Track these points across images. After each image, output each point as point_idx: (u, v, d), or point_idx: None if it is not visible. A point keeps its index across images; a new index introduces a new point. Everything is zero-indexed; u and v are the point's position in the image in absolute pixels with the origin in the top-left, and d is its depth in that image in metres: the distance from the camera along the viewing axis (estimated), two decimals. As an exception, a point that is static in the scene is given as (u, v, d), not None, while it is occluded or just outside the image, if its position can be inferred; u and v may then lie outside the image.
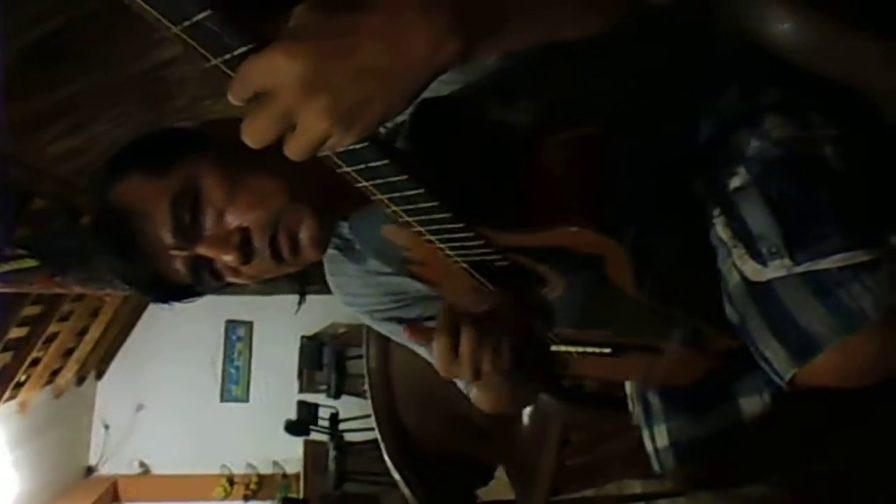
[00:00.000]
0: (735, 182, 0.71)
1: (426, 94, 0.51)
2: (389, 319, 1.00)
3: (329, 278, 0.99)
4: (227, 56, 0.42)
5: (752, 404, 0.84)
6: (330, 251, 0.95)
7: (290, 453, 5.08)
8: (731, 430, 0.85)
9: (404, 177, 0.54)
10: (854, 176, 0.68)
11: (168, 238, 0.72)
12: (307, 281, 0.94)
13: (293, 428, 4.72)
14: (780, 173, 0.69)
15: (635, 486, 1.81)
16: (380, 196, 0.57)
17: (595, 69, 0.74)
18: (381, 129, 0.63)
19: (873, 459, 0.90)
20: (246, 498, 5.29)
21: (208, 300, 0.86)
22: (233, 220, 0.72)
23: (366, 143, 0.49)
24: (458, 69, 0.50)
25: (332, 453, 4.24)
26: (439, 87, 0.69)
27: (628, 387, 1.00)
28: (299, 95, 0.43)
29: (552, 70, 0.73)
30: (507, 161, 0.66)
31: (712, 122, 0.77)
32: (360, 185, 0.55)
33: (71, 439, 5.27)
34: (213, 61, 0.43)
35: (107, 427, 5.41)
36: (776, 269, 0.67)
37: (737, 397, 0.85)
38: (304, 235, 0.74)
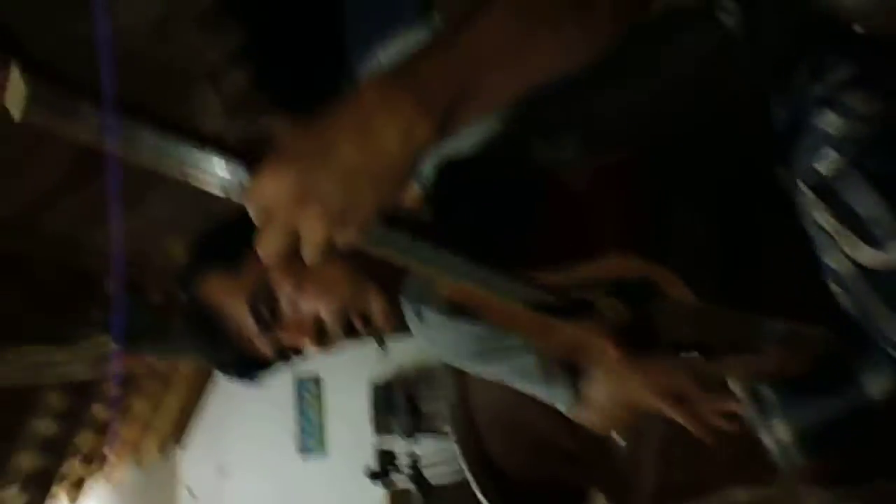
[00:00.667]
0: (830, 167, 0.68)
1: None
2: (474, 360, 1.00)
3: (413, 329, 1.01)
4: (233, 189, 0.49)
5: (875, 382, 0.78)
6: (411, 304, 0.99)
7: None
8: (858, 412, 0.79)
9: (433, 249, 0.56)
10: None
11: (252, 331, 0.78)
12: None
13: (375, 476, 4.69)
14: (879, 151, 0.65)
15: (741, 495, 1.71)
16: (424, 269, 0.60)
17: (632, 80, 0.72)
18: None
19: None
20: (336, 552, 5.26)
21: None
22: (306, 309, 0.78)
23: (388, 230, 0.53)
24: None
25: (416, 497, 4.18)
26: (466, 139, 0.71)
27: (732, 386, 0.95)
28: (292, 209, 0.48)
29: (591, 100, 0.72)
30: (539, 199, 0.67)
31: (786, 108, 0.74)
32: (402, 265, 0.58)
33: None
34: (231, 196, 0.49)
35: (193, 494, 5.49)
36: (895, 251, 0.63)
37: (858, 376, 0.79)
38: (376, 312, 0.79)
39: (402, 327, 0.98)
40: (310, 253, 0.50)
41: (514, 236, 0.64)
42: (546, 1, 0.53)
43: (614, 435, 1.47)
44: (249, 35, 2.51)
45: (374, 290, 0.78)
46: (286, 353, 0.81)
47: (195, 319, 0.82)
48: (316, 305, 0.77)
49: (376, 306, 0.79)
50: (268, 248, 0.50)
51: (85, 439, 3.83)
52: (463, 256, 0.59)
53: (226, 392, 5.57)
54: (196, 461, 5.58)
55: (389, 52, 0.72)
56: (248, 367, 0.83)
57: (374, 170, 0.48)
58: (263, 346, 0.80)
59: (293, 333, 0.78)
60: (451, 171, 0.69)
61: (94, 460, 4.04)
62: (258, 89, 2.81)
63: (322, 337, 0.78)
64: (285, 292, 0.77)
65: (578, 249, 0.62)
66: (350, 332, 0.79)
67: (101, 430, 3.95)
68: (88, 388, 3.54)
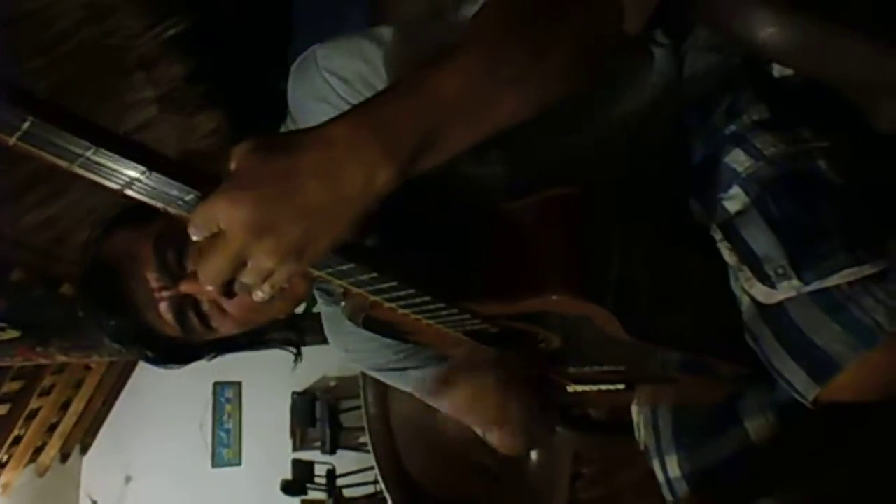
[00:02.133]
0: (734, 205, 0.71)
1: None
2: (391, 370, 1.00)
3: (328, 335, 0.99)
4: (179, 203, 0.47)
5: (758, 427, 0.82)
6: (327, 308, 0.96)
7: (287, 515, 4.92)
8: (741, 455, 0.82)
9: (373, 275, 0.56)
10: (851, 187, 0.68)
11: (153, 278, 0.72)
12: (301, 335, 0.93)
13: (289, 488, 4.59)
14: (778, 192, 0.68)
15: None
16: (358, 291, 0.59)
17: (571, 119, 0.74)
18: None
19: (880, 475, 0.88)
20: (244, 566, 5.10)
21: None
22: None
23: (330, 256, 0.52)
24: None
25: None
26: None
27: (635, 414, 0.98)
28: (247, 238, 0.47)
29: (524, 124, 0.74)
30: (482, 229, 0.67)
31: (703, 143, 0.78)
32: (335, 283, 0.57)
33: (57, 519, 5.07)
34: (168, 209, 0.47)
35: (94, 502, 5.22)
36: (786, 291, 0.66)
37: (742, 420, 0.83)
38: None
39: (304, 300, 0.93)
40: (253, 282, 0.50)
41: (453, 267, 0.64)
42: (509, 52, 0.54)
43: (531, 453, 1.49)
44: (190, 25, 2.45)
45: None
46: (187, 319, 0.74)
47: (93, 281, 0.75)
48: None
49: (279, 275, 0.73)
50: (211, 272, 0.49)
51: (-22, 439, 3.59)
52: (402, 286, 0.59)
53: (137, 394, 5.33)
54: (100, 468, 5.31)
55: (326, 50, 0.71)
56: (151, 340, 0.76)
57: (334, 210, 0.48)
58: (164, 307, 0.73)
59: (195, 282, 0.69)
60: (394, 195, 0.69)
61: (-13, 462, 3.79)
62: (194, 83, 2.74)
63: (228, 286, 0.72)
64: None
65: (520, 282, 0.62)
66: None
67: (0, 432, 3.72)
68: (-14, 384, 3.33)
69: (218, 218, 0.47)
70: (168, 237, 0.71)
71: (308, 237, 0.48)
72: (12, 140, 0.40)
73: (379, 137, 0.49)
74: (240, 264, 0.49)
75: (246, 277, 0.50)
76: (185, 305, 0.73)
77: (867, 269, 0.64)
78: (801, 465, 0.83)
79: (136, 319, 0.74)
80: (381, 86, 0.68)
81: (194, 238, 0.48)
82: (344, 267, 0.55)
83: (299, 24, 2.69)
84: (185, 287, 0.71)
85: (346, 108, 0.53)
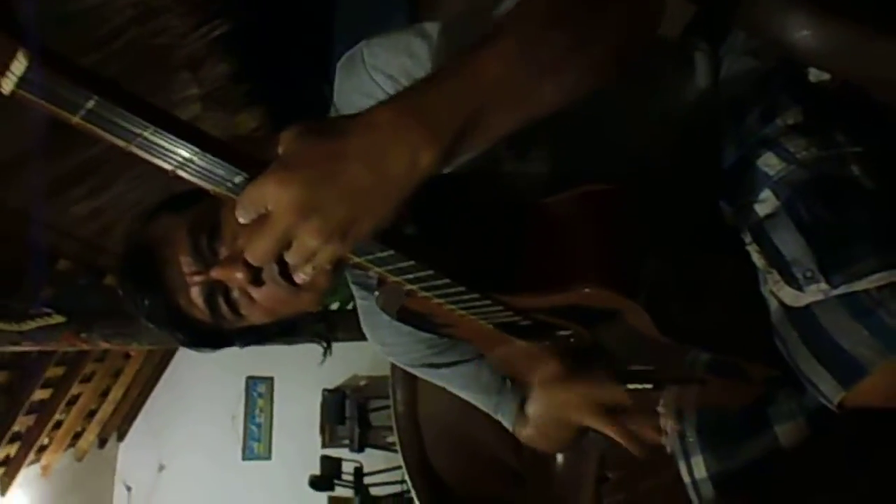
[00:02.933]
0: (764, 208, 0.71)
1: None
2: (426, 365, 1.01)
3: (365, 328, 1.00)
4: (228, 185, 0.49)
5: (787, 432, 0.82)
6: (363, 302, 0.97)
7: (314, 511, 4.97)
8: (769, 459, 0.82)
9: (411, 262, 0.57)
10: (883, 192, 0.68)
11: (186, 262, 0.73)
12: (332, 330, 0.94)
13: (317, 484, 4.63)
14: (809, 196, 0.68)
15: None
16: (394, 278, 0.60)
17: (613, 119, 0.75)
18: None
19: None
20: (270, 558, 5.16)
21: (228, 355, 0.87)
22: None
23: (371, 242, 0.54)
24: None
25: (357, 508, 4.14)
26: None
27: (662, 415, 0.98)
28: (294, 218, 0.48)
29: (566, 120, 0.74)
30: (518, 223, 0.67)
31: (735, 147, 0.77)
32: (373, 271, 0.58)
33: (94, 502, 5.20)
34: (217, 191, 0.49)
35: (129, 489, 5.34)
36: (813, 294, 0.66)
37: (772, 424, 0.83)
38: (321, 260, 0.74)
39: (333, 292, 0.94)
40: (298, 262, 0.51)
41: (489, 259, 0.64)
42: (549, 39, 0.54)
43: (557, 455, 1.48)
44: (235, 26, 2.50)
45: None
46: (216, 304, 0.74)
47: (131, 264, 0.77)
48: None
49: (323, 255, 0.74)
50: (258, 251, 0.50)
51: (22, 422, 3.71)
52: (438, 275, 0.59)
53: (173, 385, 5.46)
54: (135, 455, 5.44)
55: (373, 47, 0.73)
56: (184, 324, 0.77)
57: (379, 192, 0.50)
58: (195, 292, 0.74)
59: (225, 267, 0.70)
60: (432, 185, 0.70)
61: (29, 445, 3.91)
62: (238, 82, 2.81)
63: (256, 274, 0.71)
64: (230, 223, 0.72)
65: (553, 274, 0.62)
66: (285, 275, 0.71)
67: (40, 414, 3.84)
68: (32, 368, 3.45)
69: (266, 198, 0.48)
70: (202, 223, 0.73)
71: (352, 218, 0.49)
72: (76, 119, 0.42)
73: (421, 121, 0.50)
74: (285, 245, 0.50)
75: (290, 258, 0.51)
76: (216, 291, 0.74)
77: None
78: (829, 472, 0.83)
79: (169, 301, 0.75)
80: None
81: (241, 220, 0.50)
82: (383, 254, 0.56)
83: (341, 26, 2.74)
84: (216, 273, 0.72)
85: None
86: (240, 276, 0.70)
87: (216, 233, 0.73)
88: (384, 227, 0.52)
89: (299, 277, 0.54)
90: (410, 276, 0.59)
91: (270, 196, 0.48)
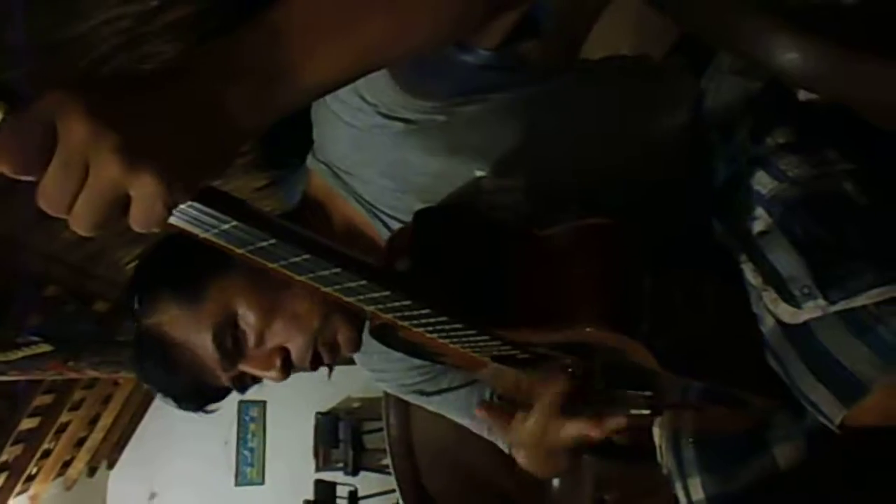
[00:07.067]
0: (758, 226, 0.71)
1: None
2: (417, 392, 1.00)
3: (355, 355, 0.99)
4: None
5: (786, 454, 0.81)
6: None
7: (308, 536, 4.90)
8: (767, 481, 0.81)
9: (407, 301, 0.55)
10: (877, 208, 0.67)
11: (214, 364, 0.76)
12: None
13: (311, 509, 4.58)
14: (803, 213, 0.68)
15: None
16: (389, 317, 0.59)
17: (593, 138, 0.75)
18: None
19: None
20: (264, 587, 5.08)
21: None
22: (272, 341, 0.77)
23: (356, 276, 0.50)
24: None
25: (352, 533, 4.09)
26: (438, 184, 0.73)
27: (657, 437, 0.97)
28: (120, 160, 0.39)
29: (545, 142, 0.74)
30: (515, 256, 0.66)
31: (725, 166, 0.77)
32: (368, 309, 0.57)
33: (83, 533, 5.11)
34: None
35: (119, 518, 5.26)
36: (811, 311, 0.66)
37: (771, 447, 0.82)
38: (342, 340, 0.79)
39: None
40: (142, 215, 0.41)
41: (486, 294, 0.63)
42: None
43: (553, 479, 1.47)
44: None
45: (342, 320, 0.78)
46: (245, 384, 0.80)
47: (149, 350, 0.79)
48: (284, 336, 0.76)
49: (343, 336, 0.79)
50: (86, 213, 0.41)
51: (10, 451, 3.65)
52: (433, 308, 0.57)
53: (164, 411, 5.36)
54: (126, 483, 5.36)
55: None
56: (201, 396, 0.81)
57: (207, 133, 0.43)
58: (223, 378, 0.78)
59: (258, 364, 0.76)
60: (427, 218, 0.69)
61: (17, 475, 3.84)
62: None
63: (286, 369, 0.77)
64: (251, 323, 0.76)
65: (554, 311, 0.61)
66: (315, 364, 0.79)
67: (29, 443, 3.78)
68: (20, 396, 3.39)
69: (50, 115, 0.39)
70: (225, 326, 0.75)
71: (185, 156, 0.41)
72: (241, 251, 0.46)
73: (218, 66, 0.44)
74: (79, 181, 0.40)
75: (135, 215, 0.41)
76: (244, 376, 0.79)
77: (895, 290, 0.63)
78: (828, 494, 0.82)
79: (192, 382, 0.79)
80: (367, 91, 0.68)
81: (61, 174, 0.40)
82: (376, 294, 0.53)
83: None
84: (245, 368, 0.77)
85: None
86: (272, 375, 0.77)
87: (239, 331, 0.75)
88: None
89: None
90: (405, 313, 0.58)
91: (57, 110, 0.39)
